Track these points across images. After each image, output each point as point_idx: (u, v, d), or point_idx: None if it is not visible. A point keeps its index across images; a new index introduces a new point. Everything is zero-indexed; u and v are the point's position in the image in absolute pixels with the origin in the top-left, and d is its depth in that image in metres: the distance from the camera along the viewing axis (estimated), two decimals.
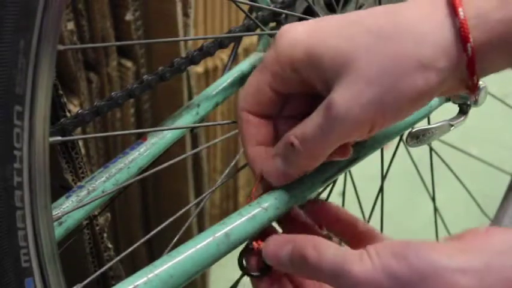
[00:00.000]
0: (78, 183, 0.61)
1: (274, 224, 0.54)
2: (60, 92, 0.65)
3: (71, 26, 0.88)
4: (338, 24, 0.47)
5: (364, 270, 0.43)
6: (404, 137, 0.62)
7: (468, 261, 0.41)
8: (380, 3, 0.72)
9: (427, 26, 0.45)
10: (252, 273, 0.51)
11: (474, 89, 0.46)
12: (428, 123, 0.68)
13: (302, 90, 0.51)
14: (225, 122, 0.65)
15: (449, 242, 0.43)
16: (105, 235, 0.77)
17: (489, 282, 0.40)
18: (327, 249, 0.46)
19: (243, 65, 0.73)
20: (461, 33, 0.44)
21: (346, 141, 0.49)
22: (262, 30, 0.70)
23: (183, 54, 0.68)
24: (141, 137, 0.64)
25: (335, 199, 0.88)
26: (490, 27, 0.44)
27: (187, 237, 0.52)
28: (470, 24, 0.44)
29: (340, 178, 0.65)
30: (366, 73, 0.45)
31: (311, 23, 0.49)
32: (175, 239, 0.56)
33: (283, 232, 0.54)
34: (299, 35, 0.48)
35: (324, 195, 0.84)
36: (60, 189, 0.65)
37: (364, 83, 0.45)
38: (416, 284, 0.41)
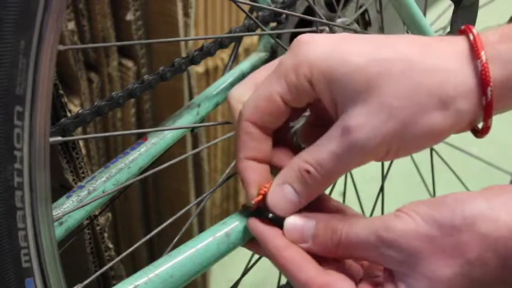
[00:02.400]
0: (79, 183, 0.61)
1: None
2: (61, 92, 0.65)
3: (71, 26, 0.88)
4: (367, 46, 0.45)
5: (407, 225, 0.43)
6: None
7: (505, 201, 0.42)
8: (380, 4, 0.72)
9: (452, 65, 0.44)
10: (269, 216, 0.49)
11: (487, 130, 0.47)
12: None
13: (307, 104, 0.49)
14: (225, 122, 0.65)
15: (484, 190, 0.44)
16: (105, 235, 0.77)
17: None
18: (353, 219, 0.46)
19: (244, 65, 0.73)
20: (482, 77, 0.44)
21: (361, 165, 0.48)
22: (263, 30, 0.70)
23: (184, 54, 0.68)
24: (141, 137, 0.64)
25: (336, 199, 0.88)
26: (509, 70, 0.44)
27: (187, 237, 0.52)
28: (490, 66, 0.44)
29: (341, 178, 0.65)
30: (390, 102, 0.43)
31: (336, 37, 0.47)
32: (176, 239, 0.56)
33: None
34: (323, 47, 0.46)
35: None
36: (60, 189, 0.65)
37: (386, 113, 0.44)
38: (462, 226, 0.42)
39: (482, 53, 0.44)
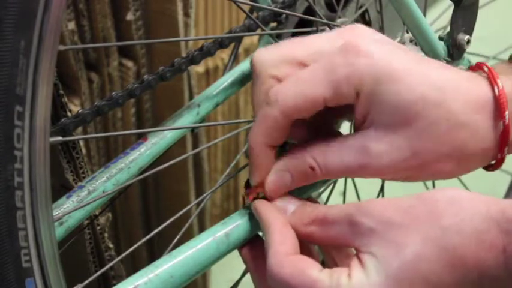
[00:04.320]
0: (79, 183, 0.61)
1: None
2: (61, 91, 0.65)
3: (71, 26, 0.88)
4: (419, 77, 0.44)
5: (386, 199, 0.43)
6: None
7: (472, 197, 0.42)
8: (380, 4, 0.72)
9: (476, 120, 0.45)
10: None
11: (497, 167, 0.48)
12: None
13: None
14: (226, 122, 0.65)
15: None
16: (105, 235, 0.77)
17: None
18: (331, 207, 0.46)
19: (244, 65, 0.73)
20: (501, 138, 0.45)
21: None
22: (263, 30, 0.69)
23: (184, 54, 0.68)
24: (141, 137, 0.64)
25: (336, 198, 0.88)
26: None
27: (188, 237, 0.52)
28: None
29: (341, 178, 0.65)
30: (416, 143, 0.44)
31: (391, 55, 0.45)
32: (176, 239, 0.56)
33: None
34: (379, 65, 0.44)
35: (324, 195, 0.84)
36: (60, 189, 0.65)
37: (410, 151, 0.44)
38: (439, 197, 0.42)
39: (506, 113, 0.45)
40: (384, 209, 0.42)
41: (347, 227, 0.43)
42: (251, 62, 0.49)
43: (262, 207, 0.48)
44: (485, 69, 0.46)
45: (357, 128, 0.47)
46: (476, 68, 0.48)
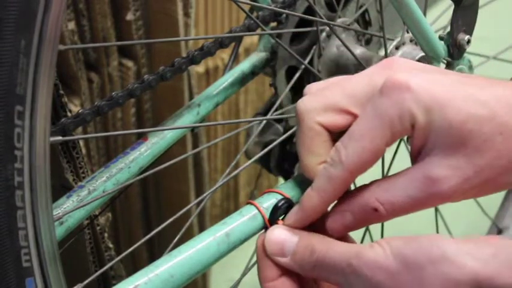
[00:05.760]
0: (79, 183, 0.61)
1: None
2: (61, 91, 0.65)
3: (71, 25, 0.88)
4: (467, 89, 0.45)
5: (376, 255, 0.43)
6: (405, 137, 0.62)
7: (476, 248, 0.42)
8: (380, 3, 0.72)
9: None
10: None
11: None
12: None
13: None
14: (226, 122, 0.65)
15: (457, 238, 0.44)
16: (105, 235, 0.77)
17: (495, 267, 0.41)
18: (334, 242, 0.46)
19: (244, 65, 0.73)
20: None
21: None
22: (263, 30, 0.70)
23: (184, 54, 0.68)
24: (141, 137, 0.64)
25: None
26: None
27: (188, 237, 0.52)
28: None
29: None
30: (477, 161, 0.44)
31: (433, 81, 0.45)
32: (176, 238, 0.56)
33: None
34: (423, 95, 0.44)
35: None
36: (61, 189, 0.65)
37: (473, 170, 0.44)
38: (424, 265, 0.42)
39: None
40: (373, 271, 0.43)
41: (344, 280, 0.45)
42: (296, 111, 0.49)
43: (261, 261, 0.49)
44: None
45: (415, 161, 0.47)
46: None
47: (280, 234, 0.48)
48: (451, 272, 0.41)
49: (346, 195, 0.48)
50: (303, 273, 0.48)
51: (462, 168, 0.44)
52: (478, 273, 0.41)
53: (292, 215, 0.49)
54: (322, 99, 0.48)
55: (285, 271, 0.48)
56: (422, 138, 0.45)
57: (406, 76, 0.45)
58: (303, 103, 0.49)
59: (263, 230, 0.51)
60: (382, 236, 0.79)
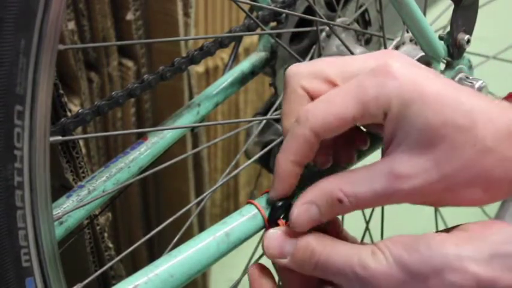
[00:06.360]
0: (79, 183, 0.61)
1: None
2: (61, 91, 0.65)
3: (71, 25, 0.88)
4: (455, 96, 0.45)
5: (379, 265, 0.43)
6: None
7: (475, 250, 0.43)
8: (380, 3, 0.72)
9: (504, 148, 0.44)
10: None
11: None
12: None
13: None
14: (226, 121, 0.65)
15: (455, 232, 0.45)
16: (105, 235, 0.77)
17: (496, 269, 0.42)
18: (334, 244, 0.46)
19: (244, 65, 0.73)
20: None
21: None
22: (263, 29, 0.70)
23: (184, 54, 0.68)
24: (141, 137, 0.64)
25: None
26: None
27: (187, 236, 0.52)
28: None
29: None
30: (445, 167, 0.44)
31: (418, 76, 0.45)
32: (176, 238, 0.56)
33: None
34: (409, 86, 0.44)
35: None
36: (60, 188, 0.65)
37: (439, 175, 0.44)
38: (428, 275, 0.43)
39: None
40: (378, 281, 0.43)
41: (347, 284, 0.45)
42: (285, 75, 0.50)
43: (253, 276, 0.49)
44: None
45: (385, 153, 0.47)
46: (510, 97, 0.48)
47: (279, 236, 0.48)
48: (455, 279, 0.42)
49: (311, 187, 0.48)
50: (304, 273, 0.48)
51: (427, 170, 0.44)
52: (480, 277, 0.42)
53: (272, 186, 0.49)
54: (312, 67, 0.49)
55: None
56: (393, 129, 0.45)
57: (399, 66, 0.45)
58: (293, 67, 0.49)
59: (263, 230, 0.51)
60: (382, 235, 0.79)
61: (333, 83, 0.48)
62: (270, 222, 0.51)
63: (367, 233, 0.81)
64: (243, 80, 0.73)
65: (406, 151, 0.44)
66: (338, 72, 0.48)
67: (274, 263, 0.50)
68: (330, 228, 0.50)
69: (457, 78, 0.68)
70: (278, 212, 0.50)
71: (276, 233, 0.48)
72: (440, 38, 0.67)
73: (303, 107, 0.47)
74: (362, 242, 0.53)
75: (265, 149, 0.66)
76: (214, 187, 0.62)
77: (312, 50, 0.75)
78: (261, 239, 0.68)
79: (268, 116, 0.73)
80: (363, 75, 0.46)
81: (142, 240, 0.54)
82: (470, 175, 0.44)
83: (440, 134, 0.44)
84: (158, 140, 0.64)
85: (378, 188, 0.45)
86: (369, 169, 0.46)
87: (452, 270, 0.42)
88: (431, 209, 0.97)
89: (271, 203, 0.51)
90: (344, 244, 0.46)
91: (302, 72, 0.48)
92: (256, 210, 0.51)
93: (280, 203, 0.50)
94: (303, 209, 0.47)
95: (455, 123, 0.44)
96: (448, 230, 0.46)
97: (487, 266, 0.42)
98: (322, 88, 0.48)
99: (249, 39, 1.21)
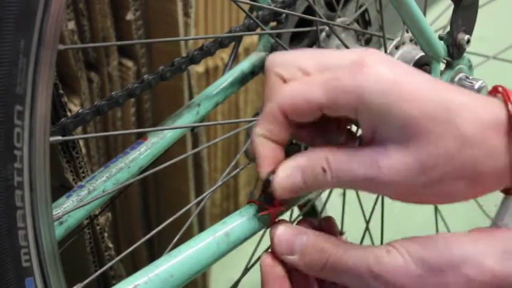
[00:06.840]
0: (79, 183, 0.61)
1: None
2: (61, 91, 0.65)
3: (71, 25, 0.88)
4: (434, 90, 0.45)
5: (396, 261, 0.44)
6: None
7: (490, 246, 0.44)
8: (380, 3, 0.72)
9: (488, 139, 0.44)
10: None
11: None
12: None
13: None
14: (226, 121, 0.65)
15: (468, 233, 0.45)
16: (105, 235, 0.77)
17: (509, 265, 0.43)
18: (347, 245, 0.46)
19: (244, 65, 0.73)
20: None
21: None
22: (263, 29, 0.70)
23: (184, 54, 0.68)
24: (141, 137, 0.64)
25: (336, 200, 0.88)
26: None
27: (187, 236, 0.52)
28: None
29: None
30: (426, 160, 0.44)
31: (396, 72, 0.45)
32: (176, 238, 0.56)
33: None
34: (384, 84, 0.44)
35: (324, 195, 0.84)
36: (60, 188, 0.65)
37: (420, 168, 0.44)
38: (446, 269, 0.43)
39: None
40: (396, 275, 0.44)
41: (360, 283, 0.45)
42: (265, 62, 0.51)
43: (265, 267, 0.49)
44: (500, 89, 0.47)
45: (366, 143, 0.47)
46: (493, 91, 0.48)
47: (288, 232, 0.48)
48: (473, 274, 0.43)
49: (299, 153, 0.48)
50: (309, 272, 0.47)
51: (410, 164, 0.44)
52: (495, 271, 0.43)
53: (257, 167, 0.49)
54: (289, 56, 0.49)
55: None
56: (372, 124, 0.45)
57: (376, 62, 0.45)
58: (271, 55, 0.50)
59: (263, 230, 0.51)
60: (382, 235, 0.79)
61: (307, 73, 0.48)
62: (265, 200, 0.50)
63: (367, 233, 0.81)
64: (243, 80, 0.73)
65: (389, 145, 0.45)
66: (314, 63, 0.48)
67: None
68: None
69: (457, 78, 0.68)
70: (268, 187, 0.49)
71: (284, 229, 0.48)
72: (440, 38, 0.67)
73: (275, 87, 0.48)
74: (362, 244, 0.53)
75: None
76: (214, 187, 0.62)
77: None
78: (261, 239, 0.68)
79: None
80: (338, 67, 0.46)
81: (142, 240, 0.54)
82: (452, 168, 0.44)
83: (421, 127, 0.44)
84: (158, 140, 0.64)
85: (359, 173, 0.45)
86: (355, 152, 0.46)
87: (469, 265, 0.43)
88: (431, 209, 0.97)
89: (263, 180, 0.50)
90: (356, 245, 0.46)
91: (278, 62, 0.49)
92: (256, 210, 0.51)
93: (270, 177, 0.48)
94: (287, 172, 0.47)
95: (435, 116, 0.44)
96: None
97: (502, 261, 0.43)
98: (297, 76, 0.48)
99: (249, 39, 1.21)
